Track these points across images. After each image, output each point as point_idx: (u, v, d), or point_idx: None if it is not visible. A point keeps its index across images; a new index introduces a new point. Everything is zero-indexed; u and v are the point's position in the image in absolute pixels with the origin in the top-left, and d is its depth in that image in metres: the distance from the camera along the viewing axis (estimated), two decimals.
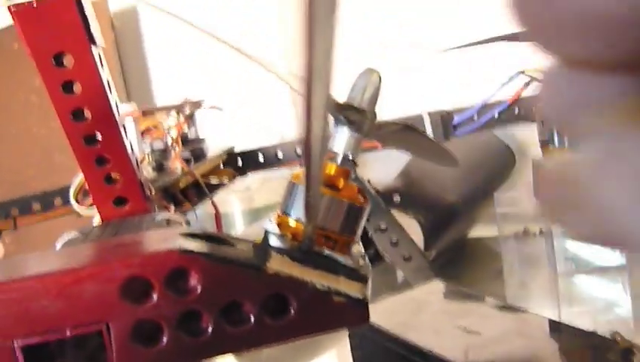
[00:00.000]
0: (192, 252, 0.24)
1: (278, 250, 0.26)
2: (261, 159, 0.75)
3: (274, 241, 0.26)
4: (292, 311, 0.25)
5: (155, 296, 0.24)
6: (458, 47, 0.75)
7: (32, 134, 1.27)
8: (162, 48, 1.27)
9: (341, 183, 0.27)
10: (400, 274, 0.73)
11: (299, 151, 0.73)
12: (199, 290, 0.25)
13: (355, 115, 0.26)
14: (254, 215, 1.01)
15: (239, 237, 0.28)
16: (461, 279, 0.67)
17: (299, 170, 0.28)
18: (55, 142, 1.24)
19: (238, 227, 1.00)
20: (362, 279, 0.26)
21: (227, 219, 0.98)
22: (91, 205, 0.57)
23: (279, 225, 0.27)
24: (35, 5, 0.35)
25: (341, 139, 0.27)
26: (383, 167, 0.84)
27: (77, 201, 0.57)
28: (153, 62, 1.29)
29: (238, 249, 0.26)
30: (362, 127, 0.26)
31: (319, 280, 0.26)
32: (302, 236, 0.26)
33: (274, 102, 1.09)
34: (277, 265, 0.25)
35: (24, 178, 1.29)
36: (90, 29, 0.36)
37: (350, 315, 0.26)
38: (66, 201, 0.70)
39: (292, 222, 0.27)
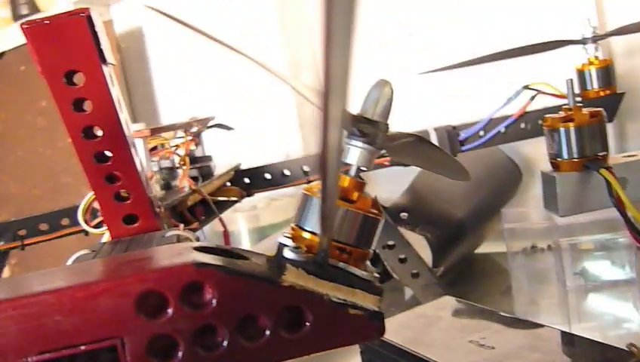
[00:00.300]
0: (207, 265, 0.24)
1: (293, 263, 0.25)
2: (268, 177, 0.75)
3: (288, 254, 0.26)
4: (307, 325, 0.25)
5: (170, 311, 0.24)
6: (439, 70, 0.76)
7: (38, 155, 1.28)
8: (168, 68, 1.28)
9: (355, 195, 0.27)
10: (408, 292, 0.72)
11: (305, 168, 0.73)
12: (214, 304, 0.24)
13: (369, 128, 0.26)
14: (260, 234, 1.01)
15: (252, 251, 0.28)
16: (470, 295, 0.66)
17: (313, 183, 0.28)
18: (61, 163, 1.24)
19: (245, 246, 1.00)
20: (378, 291, 0.26)
21: (234, 238, 0.98)
22: (99, 224, 0.57)
23: (293, 237, 0.27)
24: (47, 23, 0.35)
25: (354, 151, 0.27)
26: (390, 184, 0.84)
27: (85, 221, 0.57)
28: (159, 82, 1.30)
29: (252, 262, 0.26)
30: (376, 139, 0.26)
31: (335, 292, 0.25)
32: (317, 248, 0.26)
33: (280, 121, 1.09)
34: (292, 277, 0.25)
35: (31, 199, 1.29)
36: (101, 47, 0.36)
37: (366, 328, 0.26)
38: (74, 221, 0.70)
39: (306, 235, 0.27)
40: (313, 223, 0.27)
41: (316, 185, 0.27)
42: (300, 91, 0.29)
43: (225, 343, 0.25)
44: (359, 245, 0.27)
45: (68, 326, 0.24)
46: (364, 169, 0.28)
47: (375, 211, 0.27)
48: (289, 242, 0.27)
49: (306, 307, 0.25)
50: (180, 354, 0.24)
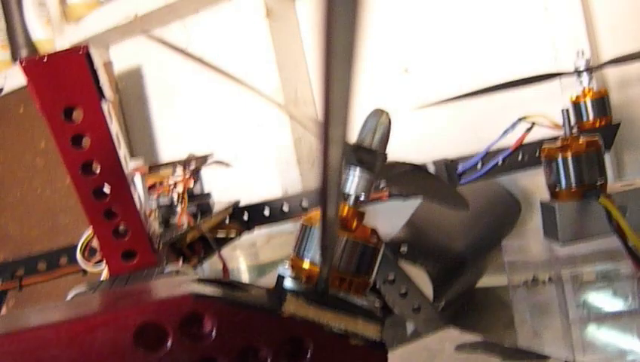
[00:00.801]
0: (206, 297, 0.24)
1: (293, 293, 0.25)
2: (267, 213, 0.75)
3: (288, 284, 0.26)
4: (309, 355, 0.25)
5: (169, 343, 0.24)
6: (433, 105, 0.76)
7: (36, 195, 1.28)
8: (166, 106, 1.29)
9: (354, 224, 0.27)
10: (410, 326, 0.72)
11: (304, 204, 0.73)
12: (214, 336, 0.24)
13: (367, 156, 0.26)
14: (260, 271, 1.00)
15: (251, 284, 0.28)
16: (472, 329, 0.66)
17: (311, 214, 0.28)
18: (60, 203, 1.24)
19: None
20: (379, 321, 0.26)
21: (233, 275, 0.97)
22: (98, 262, 0.57)
23: (293, 267, 0.27)
24: (45, 60, 0.35)
25: (353, 180, 0.27)
26: (389, 218, 0.83)
27: (83, 258, 0.56)
28: (157, 120, 1.31)
29: (252, 293, 0.26)
30: (374, 168, 0.26)
31: (335, 322, 0.25)
32: (317, 278, 0.26)
33: (277, 158, 1.10)
34: (292, 308, 0.25)
35: (29, 238, 1.28)
36: (99, 83, 0.37)
37: (368, 358, 0.25)
38: (72, 260, 0.69)
39: (306, 265, 0.27)
40: (312, 253, 0.27)
41: (315, 214, 0.27)
42: (299, 120, 0.29)
43: None
44: (359, 274, 0.26)
45: (66, 360, 0.23)
46: (362, 198, 0.28)
47: (375, 240, 0.27)
48: (288, 272, 0.27)
49: (307, 337, 0.25)
50: None
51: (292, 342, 0.25)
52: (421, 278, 0.73)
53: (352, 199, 0.27)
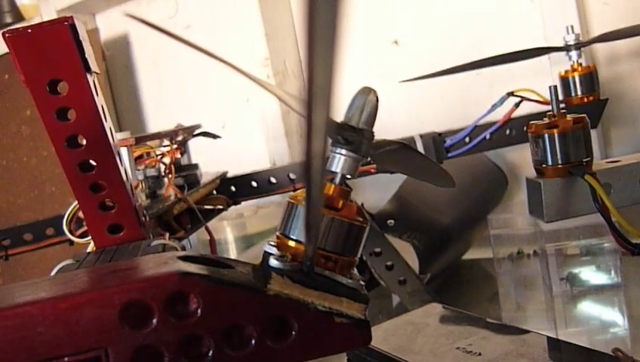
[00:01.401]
0: (191, 275, 0.24)
1: (279, 272, 0.25)
2: (254, 185, 0.75)
3: (273, 263, 0.26)
4: (293, 334, 0.25)
5: (154, 321, 0.24)
6: (422, 78, 0.76)
7: (22, 164, 1.27)
8: (153, 76, 1.28)
9: (340, 203, 0.27)
10: (395, 299, 0.72)
11: (292, 176, 0.73)
12: (199, 314, 0.24)
13: (354, 135, 0.26)
14: (247, 242, 1.01)
15: (238, 260, 0.28)
16: (456, 302, 0.67)
17: (298, 192, 0.28)
18: (46, 172, 1.24)
19: (232, 254, 0.99)
20: (364, 300, 0.26)
21: (220, 247, 0.97)
22: (84, 233, 0.57)
23: (278, 246, 0.27)
24: (29, 32, 0.35)
25: (339, 159, 0.27)
26: (377, 191, 0.84)
27: (70, 230, 0.56)
28: (144, 90, 1.29)
29: (237, 271, 0.26)
30: (361, 147, 0.26)
31: (320, 301, 0.25)
32: (302, 257, 0.26)
33: (265, 129, 1.09)
34: (277, 286, 0.25)
35: (15, 208, 1.28)
36: (85, 56, 0.36)
37: (353, 336, 0.26)
38: (58, 231, 0.69)
39: (292, 243, 0.27)
40: (298, 231, 0.27)
41: (301, 193, 0.27)
42: (283, 99, 0.28)
43: (210, 353, 0.25)
44: (345, 253, 0.27)
45: (51, 337, 0.23)
46: (349, 177, 0.28)
47: (360, 219, 0.27)
48: (274, 250, 0.27)
49: (292, 316, 0.25)
50: None
51: (277, 321, 0.25)
52: (407, 251, 0.73)
53: (338, 178, 0.27)
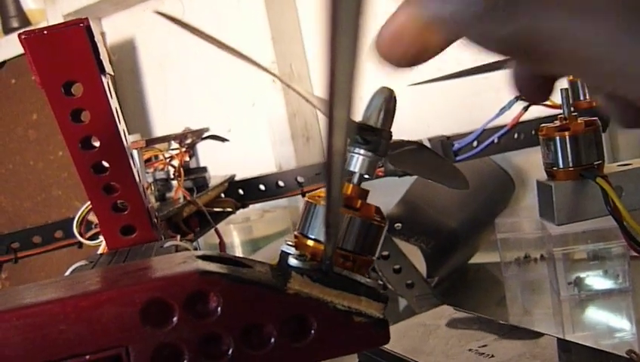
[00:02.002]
0: (211, 273, 0.24)
1: (298, 271, 0.25)
2: (262, 188, 0.75)
3: (293, 262, 0.26)
4: (312, 332, 0.25)
5: (175, 319, 0.24)
6: (429, 81, 0.76)
7: (29, 168, 1.27)
8: (159, 80, 1.28)
9: (358, 203, 0.27)
10: (402, 302, 0.72)
11: (300, 179, 0.73)
12: (219, 313, 0.24)
13: (372, 135, 0.26)
14: (254, 245, 1.01)
15: (255, 260, 0.28)
16: (464, 305, 0.66)
17: (316, 191, 0.28)
18: (52, 176, 1.24)
19: None
20: (382, 299, 0.26)
21: (227, 250, 0.97)
22: (94, 236, 0.57)
23: (297, 245, 0.27)
24: (45, 33, 0.35)
25: (357, 159, 0.27)
26: (384, 194, 0.84)
27: (79, 232, 0.56)
28: (151, 93, 1.30)
29: (256, 270, 0.26)
30: (379, 147, 0.27)
31: (339, 300, 0.25)
32: (321, 256, 0.26)
33: (272, 133, 1.09)
34: (297, 285, 0.25)
35: (21, 211, 1.28)
36: (99, 58, 0.36)
37: (371, 336, 0.26)
38: (67, 234, 0.69)
39: (310, 243, 0.27)
40: (317, 231, 0.27)
41: (320, 193, 0.27)
42: (297, 91, 0.29)
43: (230, 352, 0.25)
44: (363, 252, 0.27)
45: (72, 335, 0.23)
46: (367, 177, 0.28)
47: (378, 218, 0.27)
48: (292, 250, 0.27)
49: (311, 315, 0.25)
50: None
51: (296, 320, 0.25)
52: (415, 255, 0.73)
53: (356, 177, 0.27)
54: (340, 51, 0.16)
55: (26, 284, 0.28)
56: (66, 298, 0.24)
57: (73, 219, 0.56)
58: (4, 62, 0.69)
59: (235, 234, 1.00)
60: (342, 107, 0.18)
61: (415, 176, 0.77)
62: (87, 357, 0.24)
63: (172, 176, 0.63)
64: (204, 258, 0.26)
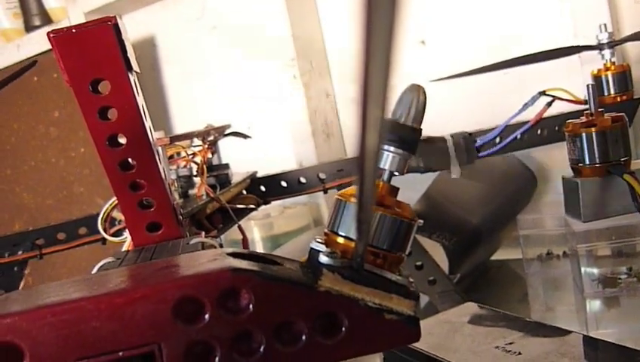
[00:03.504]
0: (244, 271, 0.24)
1: (329, 268, 0.25)
2: (284, 184, 0.75)
3: (323, 259, 0.26)
4: (343, 330, 0.25)
5: (207, 317, 0.24)
6: (452, 77, 0.76)
7: (51, 165, 1.28)
8: (180, 77, 1.29)
9: (389, 200, 0.27)
10: (423, 299, 0.72)
11: (321, 176, 0.73)
12: (251, 310, 0.24)
13: (403, 133, 0.26)
14: (274, 242, 1.01)
15: (284, 257, 0.28)
16: (486, 302, 0.66)
17: (347, 189, 0.28)
18: (74, 173, 1.25)
19: None
20: (414, 296, 0.26)
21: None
22: (117, 232, 0.58)
23: (327, 242, 0.27)
24: (74, 32, 0.35)
25: (388, 156, 0.27)
26: (406, 190, 0.84)
27: (103, 229, 0.57)
28: (171, 91, 1.30)
29: (287, 268, 0.26)
30: (409, 144, 0.26)
31: (371, 297, 0.25)
32: (352, 253, 0.26)
33: (292, 129, 1.10)
34: (328, 282, 0.25)
35: (43, 208, 1.30)
36: (127, 55, 0.37)
37: (402, 333, 0.26)
38: (91, 230, 0.70)
39: (341, 240, 0.27)
40: (347, 228, 0.27)
41: (350, 190, 0.27)
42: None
43: (261, 349, 0.25)
44: (394, 250, 0.27)
45: (106, 332, 0.24)
46: (397, 174, 0.28)
47: (409, 215, 0.27)
48: (323, 247, 0.27)
49: (342, 312, 0.25)
50: (217, 359, 0.24)
51: (327, 317, 0.25)
52: (437, 251, 0.73)
53: (386, 174, 0.27)
54: (375, 49, 0.16)
55: (57, 281, 0.28)
56: (100, 295, 0.24)
57: (97, 215, 0.57)
58: (35, 61, 0.70)
59: (255, 230, 1.00)
60: (375, 106, 0.18)
61: (437, 173, 0.77)
62: (121, 353, 0.24)
63: (195, 173, 0.63)
64: (234, 255, 0.26)
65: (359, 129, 0.19)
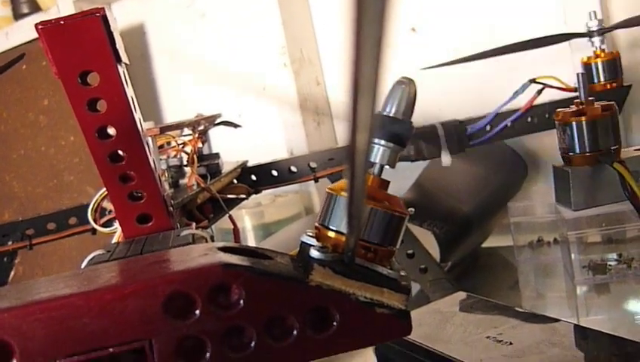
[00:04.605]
0: (235, 266, 0.24)
1: (320, 262, 0.25)
2: (274, 173, 0.75)
3: (314, 254, 0.26)
4: (335, 325, 0.25)
5: (197, 312, 0.24)
6: (442, 65, 0.76)
7: (41, 154, 1.27)
8: (170, 65, 1.28)
9: (380, 194, 0.27)
10: (415, 287, 0.72)
11: (312, 165, 0.73)
12: (242, 305, 0.24)
13: (394, 126, 0.26)
14: (265, 230, 1.01)
15: (275, 251, 0.28)
16: (477, 290, 0.67)
17: (337, 183, 0.28)
18: (64, 161, 1.24)
19: (250, 242, 1.00)
20: (405, 290, 0.26)
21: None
22: (107, 223, 0.57)
23: (318, 237, 0.27)
24: (62, 23, 0.35)
25: (379, 150, 0.27)
26: (396, 179, 0.84)
27: (94, 219, 0.57)
28: (161, 79, 1.30)
29: (278, 262, 0.26)
30: (400, 138, 0.26)
31: (362, 292, 0.25)
32: (343, 248, 0.26)
33: (282, 118, 1.09)
34: (319, 277, 0.25)
35: (33, 197, 1.29)
36: (116, 47, 0.36)
37: (393, 327, 0.26)
38: (81, 220, 0.69)
39: (332, 234, 0.27)
40: (338, 222, 0.27)
41: (340, 184, 0.27)
42: None
43: (253, 344, 0.25)
44: (385, 243, 0.27)
45: (96, 328, 0.24)
46: (387, 167, 0.28)
47: (400, 209, 0.27)
48: (314, 241, 0.27)
49: (334, 307, 0.25)
50: (208, 355, 0.24)
51: (318, 311, 0.25)
52: (428, 239, 0.73)
53: (377, 168, 0.27)
54: (365, 43, 0.16)
55: (47, 277, 0.28)
56: (90, 291, 0.24)
57: (87, 205, 0.56)
58: (24, 54, 0.69)
59: (246, 219, 1.00)
60: (366, 100, 0.18)
61: (427, 161, 0.77)
62: (111, 349, 0.24)
63: (185, 163, 0.62)
64: (225, 249, 0.26)
65: (350, 124, 0.19)
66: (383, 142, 0.27)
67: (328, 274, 0.25)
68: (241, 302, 0.24)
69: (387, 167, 0.28)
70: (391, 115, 0.26)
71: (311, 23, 1.09)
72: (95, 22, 0.35)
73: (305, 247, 0.27)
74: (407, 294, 0.26)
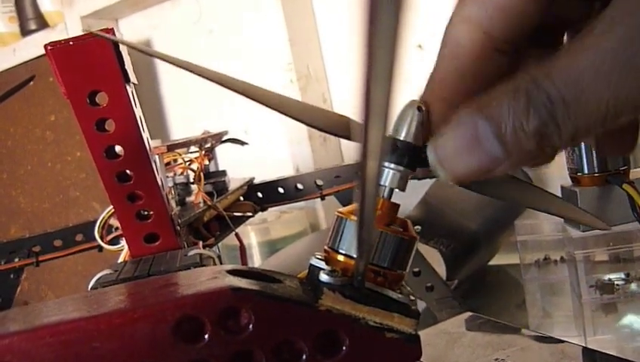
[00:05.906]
0: (244, 290, 0.24)
1: (330, 287, 0.25)
2: (281, 191, 0.75)
3: (324, 278, 0.26)
4: (344, 349, 0.25)
5: (207, 336, 0.24)
6: None
7: (47, 169, 1.28)
8: (176, 82, 1.28)
9: (390, 217, 0.27)
10: (421, 305, 0.72)
11: (319, 182, 0.73)
12: (251, 329, 0.24)
13: (404, 150, 0.26)
14: (271, 247, 1.01)
15: (284, 274, 0.28)
16: (484, 309, 0.66)
17: (347, 207, 0.27)
18: (70, 177, 1.25)
19: (256, 259, 1.00)
20: (415, 315, 0.26)
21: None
22: (114, 240, 0.57)
23: (327, 260, 0.27)
24: (71, 44, 0.35)
25: (388, 173, 0.27)
26: (402, 197, 0.83)
27: (100, 236, 0.57)
28: (167, 97, 1.30)
29: (287, 286, 0.26)
30: (412, 162, 0.26)
31: (371, 316, 0.25)
32: (352, 272, 0.26)
33: (289, 135, 1.09)
34: (329, 301, 0.25)
35: (40, 212, 1.29)
36: (124, 67, 0.37)
37: (403, 352, 0.26)
38: (88, 237, 0.69)
39: (341, 258, 0.27)
40: (348, 246, 0.27)
41: (350, 207, 0.27)
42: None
43: None
44: (395, 267, 0.26)
45: (105, 352, 0.23)
46: (397, 191, 0.27)
47: (409, 233, 0.27)
48: (323, 264, 0.27)
49: (343, 331, 0.25)
50: None
51: (328, 336, 0.25)
52: (434, 257, 0.73)
53: (386, 191, 0.27)
54: (377, 72, 0.16)
55: (55, 299, 0.28)
56: (100, 315, 0.24)
57: (94, 222, 0.56)
58: (34, 75, 0.70)
59: (252, 235, 1.00)
60: (377, 125, 0.18)
61: (434, 178, 0.77)
62: None
63: (192, 181, 0.63)
64: (234, 273, 0.26)
65: (361, 149, 0.19)
66: (392, 165, 0.27)
67: (338, 299, 0.25)
68: (251, 326, 0.24)
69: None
70: (401, 138, 0.26)
71: (317, 40, 1.09)
72: (104, 42, 0.35)
73: (314, 270, 0.27)
74: (417, 319, 0.26)
